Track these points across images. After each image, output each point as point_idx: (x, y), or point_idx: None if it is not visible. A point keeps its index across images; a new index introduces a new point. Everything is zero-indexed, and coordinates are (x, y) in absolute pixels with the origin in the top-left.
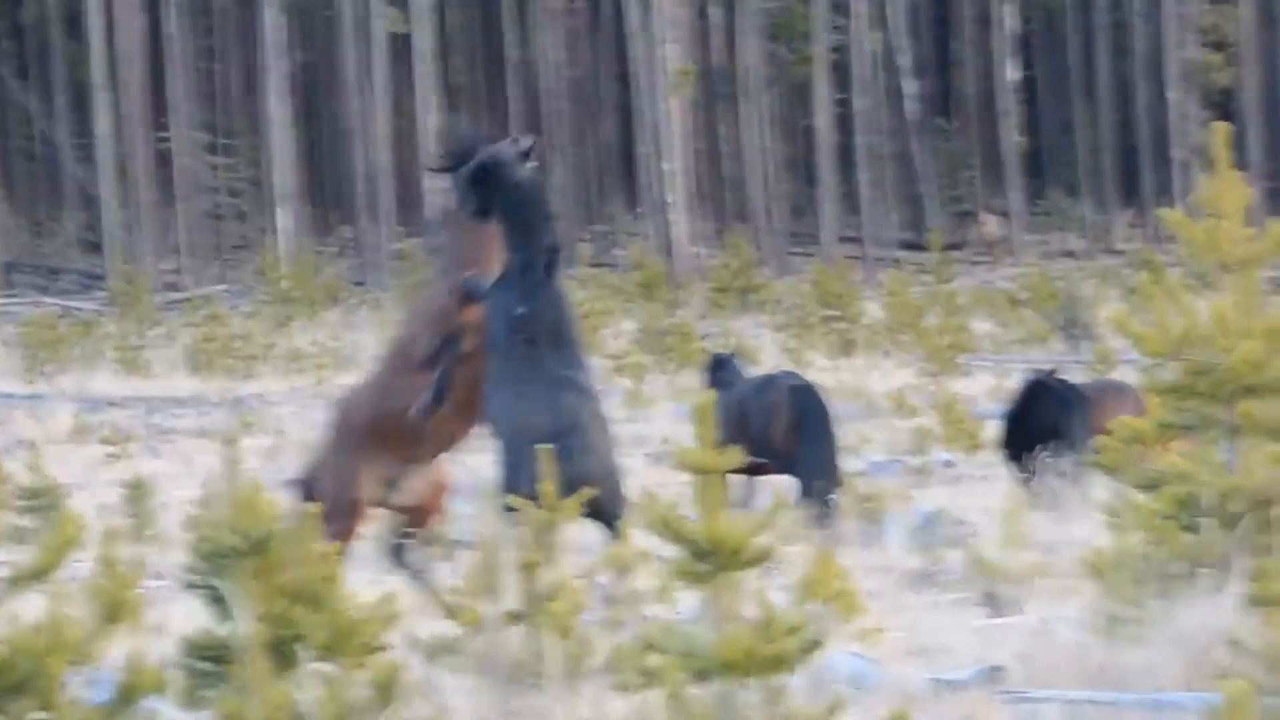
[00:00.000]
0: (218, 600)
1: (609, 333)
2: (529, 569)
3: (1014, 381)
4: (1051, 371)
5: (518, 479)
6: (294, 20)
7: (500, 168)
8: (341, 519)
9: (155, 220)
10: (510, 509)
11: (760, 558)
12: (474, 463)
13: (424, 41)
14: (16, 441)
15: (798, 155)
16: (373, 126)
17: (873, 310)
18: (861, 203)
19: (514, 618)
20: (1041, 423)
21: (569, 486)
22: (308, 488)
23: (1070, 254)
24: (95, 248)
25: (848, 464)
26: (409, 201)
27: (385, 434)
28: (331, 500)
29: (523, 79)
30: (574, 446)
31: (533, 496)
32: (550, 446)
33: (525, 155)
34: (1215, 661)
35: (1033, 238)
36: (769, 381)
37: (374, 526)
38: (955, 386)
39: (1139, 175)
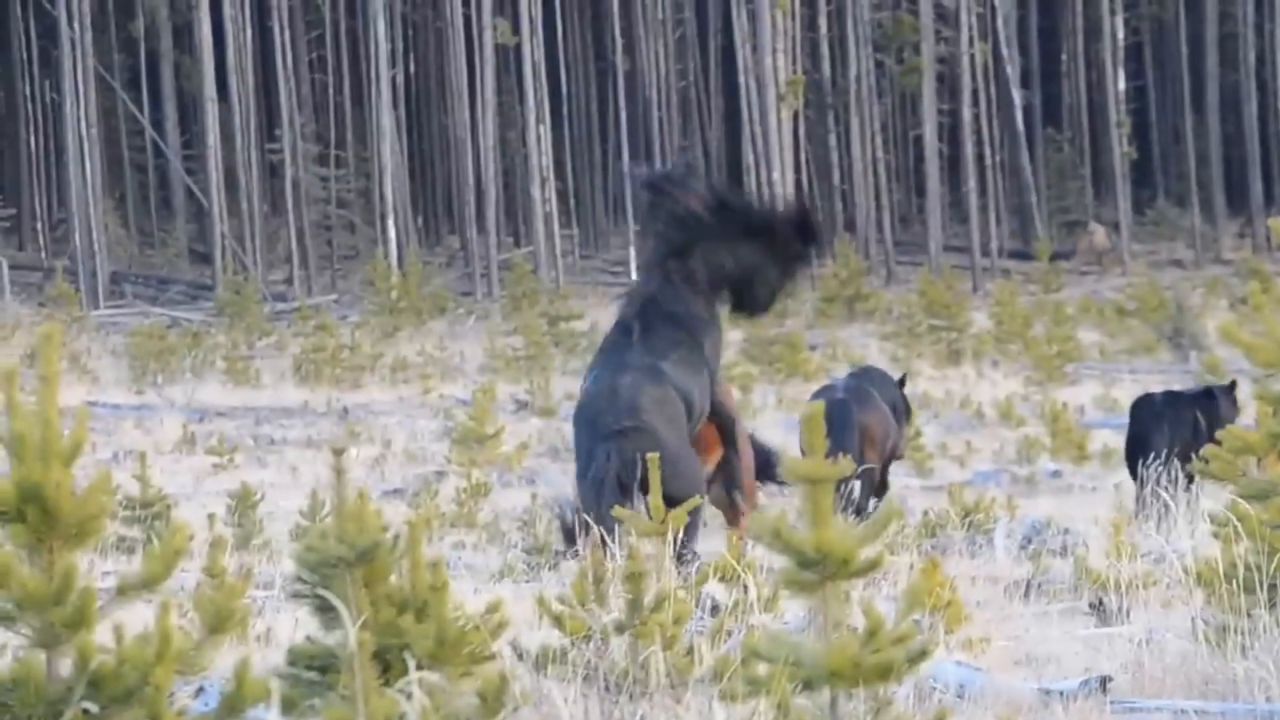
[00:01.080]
0: (324, 609)
1: None
2: (634, 579)
3: (1121, 391)
4: (1233, 384)
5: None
6: (403, 32)
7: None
8: None
9: (265, 230)
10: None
11: (868, 568)
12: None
13: (533, 53)
14: (124, 451)
15: (905, 165)
16: (481, 137)
17: (980, 320)
18: (969, 212)
19: (619, 627)
20: (1149, 434)
21: (620, 468)
22: None
23: (1178, 263)
24: (204, 258)
25: (952, 474)
26: (516, 212)
27: None
28: None
29: (630, 89)
30: (624, 427)
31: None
32: (602, 427)
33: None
34: None
35: (1140, 247)
36: (823, 390)
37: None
38: (1062, 396)
39: (1247, 185)
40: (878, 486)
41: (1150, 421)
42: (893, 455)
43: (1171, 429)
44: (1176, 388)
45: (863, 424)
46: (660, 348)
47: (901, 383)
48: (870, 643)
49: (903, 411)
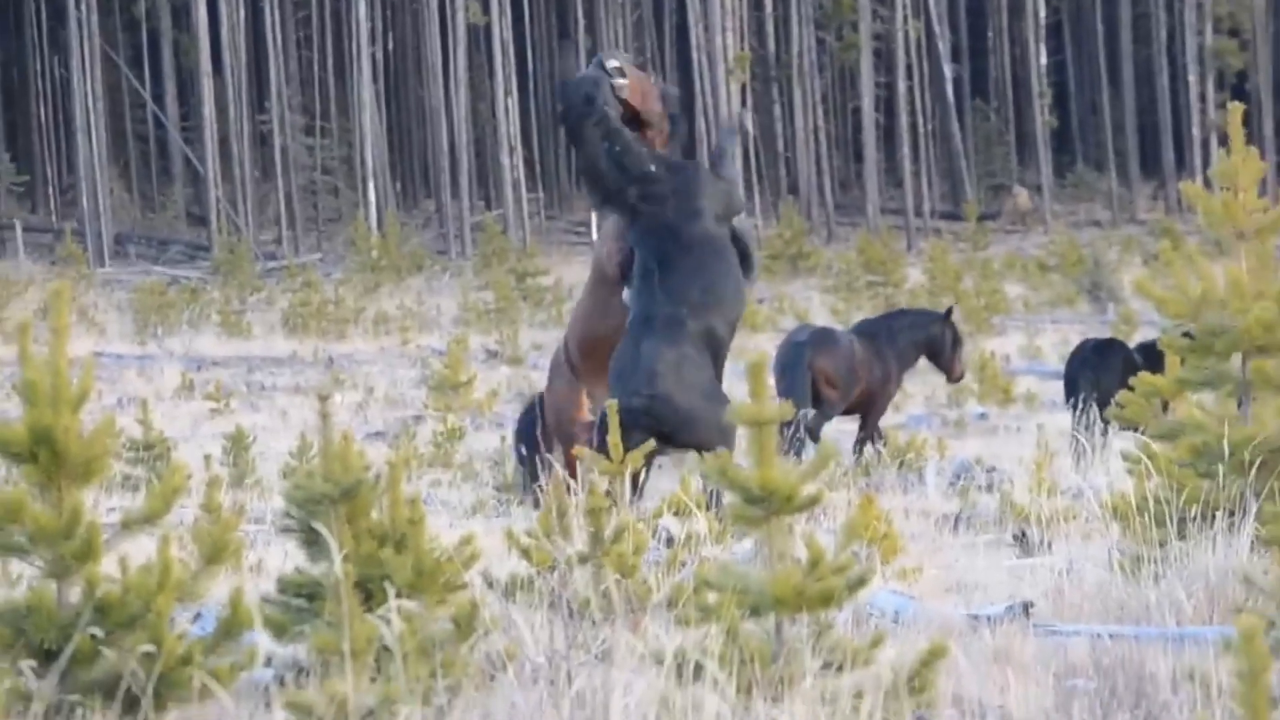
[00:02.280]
0: (311, 543)
1: None
2: (595, 514)
3: (1044, 340)
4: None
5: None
6: (382, 12)
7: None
8: (565, 443)
9: (256, 195)
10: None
11: (809, 503)
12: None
13: (501, 31)
14: (128, 398)
15: (845, 134)
16: (454, 109)
17: (914, 275)
18: (904, 177)
19: (582, 558)
20: (1075, 378)
21: (637, 432)
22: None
23: (1096, 223)
24: (201, 220)
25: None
26: (487, 177)
27: (598, 354)
28: (554, 427)
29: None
30: (644, 392)
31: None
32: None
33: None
34: (1230, 597)
35: (1061, 208)
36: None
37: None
38: (989, 345)
39: (1160, 151)
40: (871, 424)
41: (1077, 367)
42: (874, 394)
43: (1096, 374)
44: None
45: (817, 366)
46: (680, 287)
47: (948, 314)
48: (812, 572)
49: (948, 343)
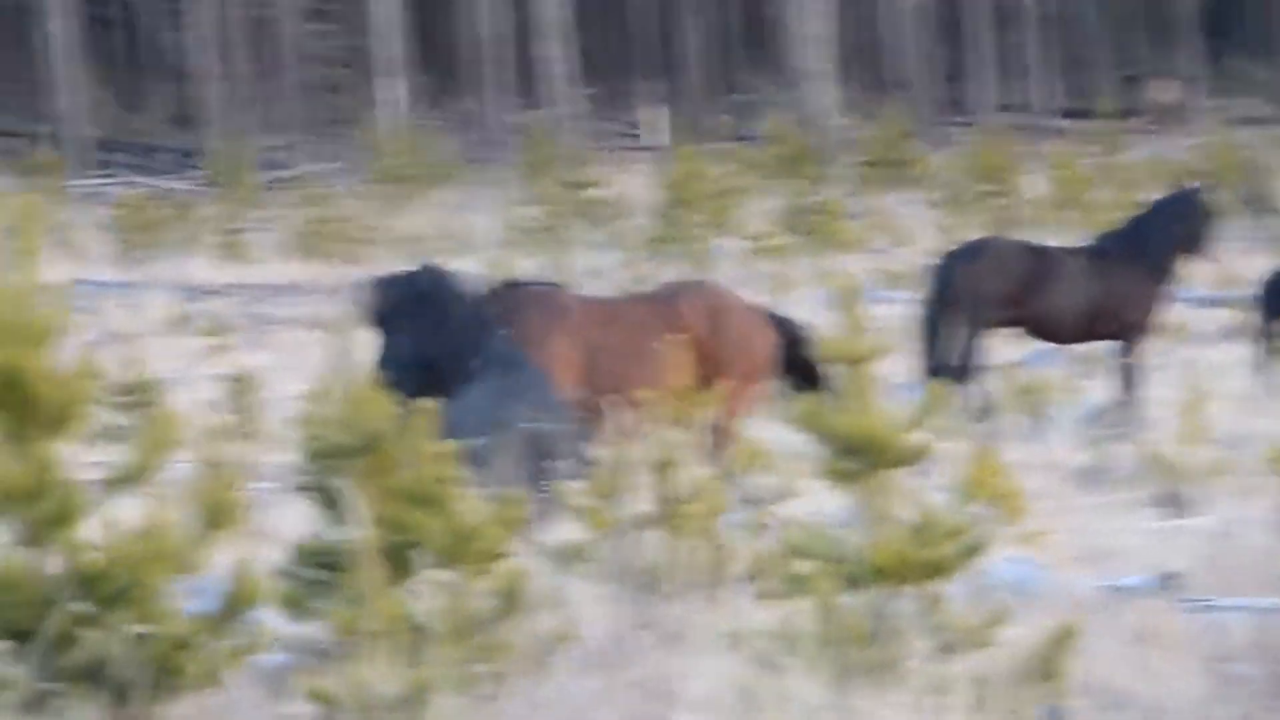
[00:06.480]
0: (328, 503)
1: (748, 212)
2: (664, 468)
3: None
4: None
5: None
6: None
7: None
8: None
9: (255, 93)
10: None
11: (914, 455)
12: None
13: None
14: (110, 334)
15: (952, 16)
16: None
17: (1035, 185)
18: (1023, 68)
19: (648, 521)
20: (1266, 307)
21: None
22: None
23: (1254, 121)
24: (191, 123)
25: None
26: (530, 71)
27: None
28: None
29: None
30: None
31: None
32: None
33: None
34: None
35: (1212, 104)
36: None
37: None
38: None
39: None
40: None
41: (1266, 293)
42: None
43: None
44: None
45: (964, 280)
46: None
47: (1194, 192)
48: (919, 537)
49: (1200, 225)
